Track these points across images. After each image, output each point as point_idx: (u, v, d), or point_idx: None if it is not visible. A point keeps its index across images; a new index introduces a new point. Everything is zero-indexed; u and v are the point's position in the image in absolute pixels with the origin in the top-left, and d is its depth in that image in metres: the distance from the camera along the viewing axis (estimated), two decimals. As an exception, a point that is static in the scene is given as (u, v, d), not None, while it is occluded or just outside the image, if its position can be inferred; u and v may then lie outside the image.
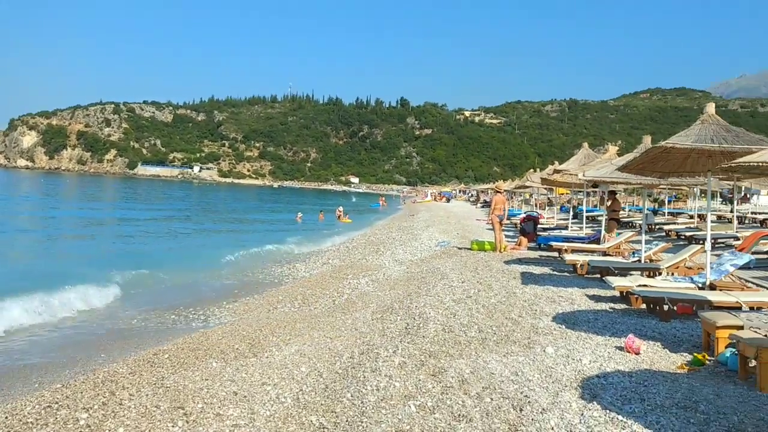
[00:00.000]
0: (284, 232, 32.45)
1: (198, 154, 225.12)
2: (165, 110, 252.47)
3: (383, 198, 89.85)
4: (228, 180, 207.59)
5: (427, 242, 22.85)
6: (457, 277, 13.20)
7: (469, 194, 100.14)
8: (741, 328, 6.89)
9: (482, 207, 56.86)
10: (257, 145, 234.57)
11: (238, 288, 14.88)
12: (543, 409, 5.27)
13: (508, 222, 28.36)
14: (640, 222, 16.81)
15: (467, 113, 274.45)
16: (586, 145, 21.46)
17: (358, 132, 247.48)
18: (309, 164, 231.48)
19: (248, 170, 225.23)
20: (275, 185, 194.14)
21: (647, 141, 12.68)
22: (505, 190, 44.08)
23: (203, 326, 10.68)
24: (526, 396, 5.60)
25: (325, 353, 7.88)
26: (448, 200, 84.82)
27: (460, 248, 19.86)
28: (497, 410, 5.31)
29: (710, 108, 10.15)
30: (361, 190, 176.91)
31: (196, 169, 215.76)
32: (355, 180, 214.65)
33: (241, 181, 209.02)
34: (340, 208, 47.54)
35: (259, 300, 12.97)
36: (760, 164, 6.71)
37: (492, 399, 5.56)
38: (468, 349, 7.41)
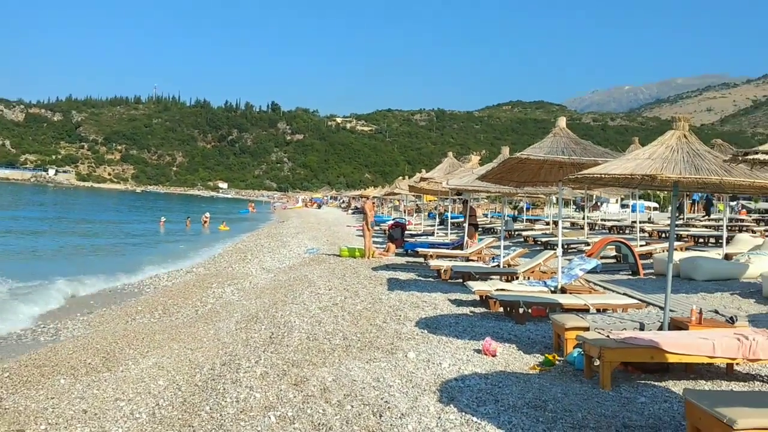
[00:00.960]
0: (142, 245, 31.05)
1: (53, 156, 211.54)
2: (15, 108, 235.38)
3: (252, 204, 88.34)
4: (87, 184, 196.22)
5: (296, 249, 22.71)
6: (325, 284, 13.20)
7: (341, 200, 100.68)
8: (587, 329, 7.35)
9: (353, 213, 57.33)
10: (119, 147, 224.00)
11: (94, 298, 14.07)
12: (402, 414, 5.35)
13: (377, 228, 28.78)
14: (503, 228, 17.67)
15: (339, 120, 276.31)
16: (451, 154, 22.20)
17: (227, 136, 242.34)
18: (175, 168, 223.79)
19: (109, 174, 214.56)
20: (138, 190, 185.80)
21: (505, 152, 13.28)
22: (373, 197, 44.70)
23: (53, 340, 9.99)
24: (387, 402, 5.66)
25: (184, 365, 7.60)
26: (319, 206, 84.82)
27: (329, 255, 19.89)
28: (357, 417, 5.34)
29: (561, 122, 10.78)
30: (230, 196, 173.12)
31: (51, 172, 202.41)
32: (223, 185, 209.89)
33: (102, 185, 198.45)
34: (207, 215, 46.09)
35: (116, 311, 12.32)
36: (603, 176, 7.18)
37: (353, 406, 5.58)
38: (332, 356, 7.40)
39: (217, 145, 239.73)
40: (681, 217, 33.11)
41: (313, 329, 8.93)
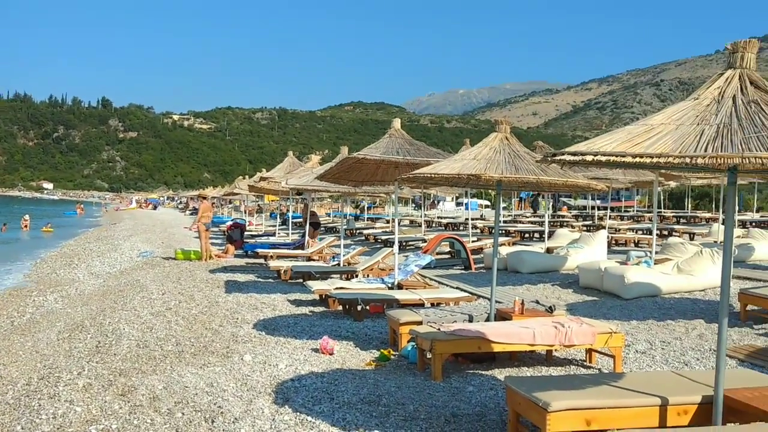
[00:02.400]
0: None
1: None
2: None
3: (81, 205, 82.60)
4: None
5: (128, 253, 21.57)
6: (158, 288, 12.64)
7: (178, 201, 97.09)
8: (420, 323, 7.60)
9: (191, 214, 55.40)
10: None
11: None
12: (235, 419, 5.23)
13: (216, 229, 28.03)
14: (343, 227, 17.85)
15: (176, 117, 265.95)
16: (291, 153, 22.06)
17: (51, 133, 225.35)
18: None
19: None
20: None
21: (344, 151, 13.42)
22: (212, 197, 43.45)
23: None
24: (220, 407, 5.51)
25: (-4, 382, 6.94)
26: (155, 207, 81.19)
27: (164, 258, 19.07)
28: (188, 425, 5.14)
29: (396, 123, 11.07)
30: (56, 197, 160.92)
31: None
32: (48, 186, 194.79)
33: None
34: (26, 217, 42.41)
35: None
36: (433, 175, 7.46)
37: (184, 413, 5.38)
38: (163, 363, 7.09)
39: (41, 143, 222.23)
40: (510, 213, 35.26)
41: (144, 336, 8.51)
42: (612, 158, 3.77)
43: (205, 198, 21.22)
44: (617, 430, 3.98)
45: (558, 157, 4.06)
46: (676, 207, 40.25)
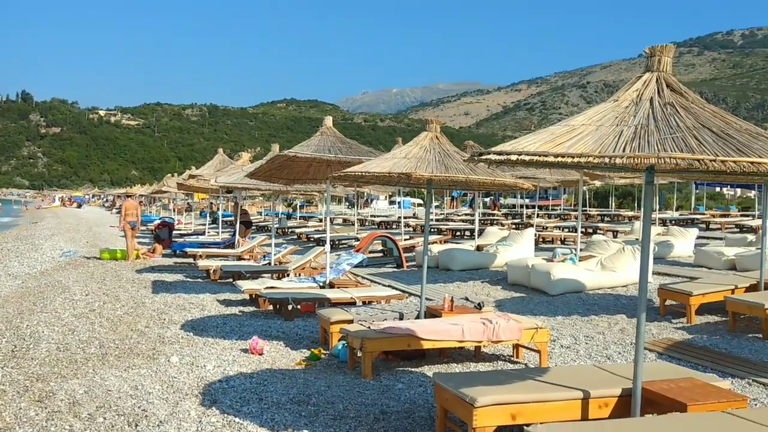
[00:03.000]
0: None
1: None
2: None
3: (-2, 203, 78.96)
4: None
5: (50, 253, 20.73)
6: (81, 289, 12.22)
7: (104, 199, 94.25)
8: (351, 321, 7.59)
9: (117, 213, 53.80)
10: None
11: None
12: (160, 422, 5.11)
13: (144, 228, 27.32)
14: (275, 226, 17.64)
15: (102, 112, 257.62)
16: (221, 150, 21.68)
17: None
18: None
19: None
20: None
21: (275, 149, 13.29)
22: (140, 195, 42.35)
23: None
24: (144, 410, 5.37)
25: None
26: (79, 206, 78.41)
27: (88, 258, 18.45)
28: (110, 429, 4.98)
29: (328, 121, 11.02)
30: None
31: None
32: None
33: None
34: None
35: None
36: (364, 174, 7.45)
37: (105, 418, 5.20)
38: (85, 367, 6.85)
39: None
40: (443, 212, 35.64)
41: (65, 339, 8.20)
42: (535, 158, 3.85)
43: (131, 196, 20.64)
44: (540, 423, 4.06)
45: (484, 157, 4.12)
46: (601, 205, 41.59)
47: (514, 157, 3.94)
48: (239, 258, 16.81)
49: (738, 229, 22.87)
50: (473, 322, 6.81)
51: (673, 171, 4.45)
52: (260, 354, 7.41)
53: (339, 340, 7.40)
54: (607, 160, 3.66)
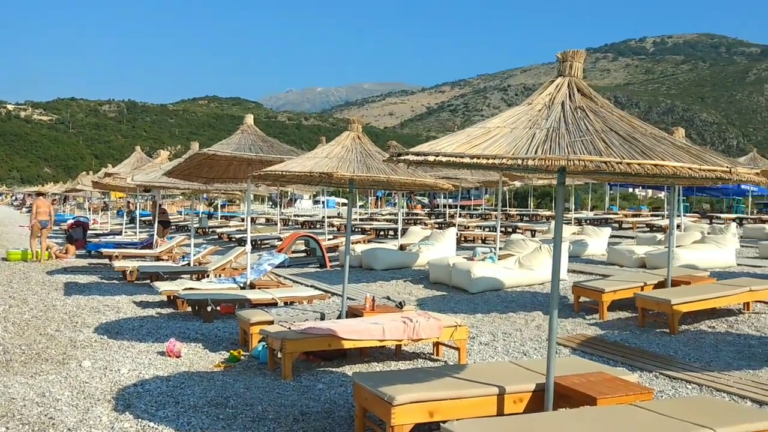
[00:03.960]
0: None
1: None
2: None
3: None
4: None
5: (-48, 253, 19.63)
6: (-14, 292, 11.63)
7: (14, 198, 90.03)
8: (272, 323, 7.52)
9: (28, 212, 51.45)
10: None
11: None
12: (69, 429, 4.91)
13: (57, 228, 26.23)
14: (194, 226, 17.23)
15: (11, 107, 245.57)
16: (138, 148, 21.02)
17: None
18: None
19: None
20: None
21: (195, 147, 13.00)
22: (53, 194, 40.69)
23: None
24: (51, 418, 5.15)
25: None
26: (-14, 204, 74.59)
27: (-6, 259, 17.57)
28: (15, 440, 4.77)
29: (249, 119, 10.86)
30: None
31: None
32: None
33: None
34: None
35: None
36: (285, 173, 7.39)
37: (8, 428, 4.97)
38: (-12, 374, 6.52)
39: None
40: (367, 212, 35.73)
41: (-34, 345, 7.78)
42: (452, 159, 3.91)
43: (43, 194, 19.79)
44: (456, 420, 4.13)
45: (403, 157, 4.16)
46: (521, 205, 42.68)
47: (431, 158, 3.99)
48: (157, 259, 16.36)
49: (648, 229, 23.93)
50: (394, 321, 6.86)
51: (584, 172, 4.61)
52: (178, 356, 7.24)
53: (259, 342, 7.31)
54: (520, 161, 3.76)
